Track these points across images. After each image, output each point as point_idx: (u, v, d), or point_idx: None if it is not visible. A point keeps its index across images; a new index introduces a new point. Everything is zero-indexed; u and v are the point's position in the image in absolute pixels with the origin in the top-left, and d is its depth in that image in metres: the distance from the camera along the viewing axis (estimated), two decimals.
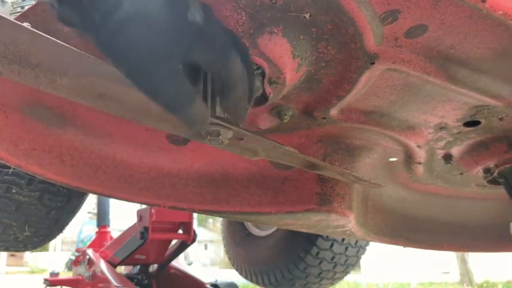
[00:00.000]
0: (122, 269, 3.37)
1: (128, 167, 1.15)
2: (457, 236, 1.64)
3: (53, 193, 1.86)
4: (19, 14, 0.74)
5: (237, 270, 3.03)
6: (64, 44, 0.56)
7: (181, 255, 3.26)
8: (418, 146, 1.18)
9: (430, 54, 0.79)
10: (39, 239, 2.09)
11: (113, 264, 2.86)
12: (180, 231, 2.70)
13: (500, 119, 1.01)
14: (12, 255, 15.60)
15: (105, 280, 2.60)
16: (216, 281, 2.89)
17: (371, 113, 1.03)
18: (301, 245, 2.42)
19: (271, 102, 0.89)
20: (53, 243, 13.38)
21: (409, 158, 1.27)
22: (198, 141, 0.81)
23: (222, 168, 1.26)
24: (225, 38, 0.59)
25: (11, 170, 1.59)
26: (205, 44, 0.55)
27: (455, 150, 1.20)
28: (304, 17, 0.69)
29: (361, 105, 0.99)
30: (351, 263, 2.53)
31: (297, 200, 1.24)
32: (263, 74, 0.79)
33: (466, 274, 8.55)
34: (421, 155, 1.23)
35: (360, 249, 2.50)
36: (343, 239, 2.41)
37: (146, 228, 2.48)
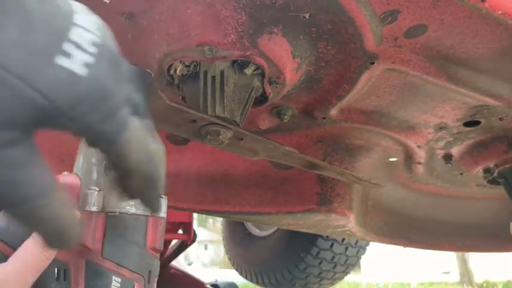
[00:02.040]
0: None
1: None
2: (457, 236, 1.65)
3: None
4: None
5: (237, 270, 3.03)
6: None
7: (181, 255, 3.26)
8: (418, 146, 1.19)
9: (429, 54, 0.79)
10: None
11: None
12: (180, 231, 2.70)
13: (500, 119, 1.01)
14: None
15: None
16: (216, 281, 2.89)
17: (371, 113, 1.03)
18: (301, 245, 2.42)
19: (271, 102, 0.89)
20: None
21: (409, 158, 1.27)
22: (198, 141, 0.81)
23: (222, 168, 1.26)
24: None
25: None
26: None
27: (455, 150, 1.20)
28: (304, 17, 0.69)
29: (361, 105, 0.99)
30: (351, 263, 2.53)
31: (297, 200, 1.24)
32: (263, 74, 0.79)
33: (466, 274, 8.56)
34: (421, 155, 1.24)
35: (360, 249, 2.50)
36: (343, 239, 2.41)
37: None
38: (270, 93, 0.84)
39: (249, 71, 0.78)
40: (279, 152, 0.86)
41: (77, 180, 0.55)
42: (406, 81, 0.88)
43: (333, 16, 0.69)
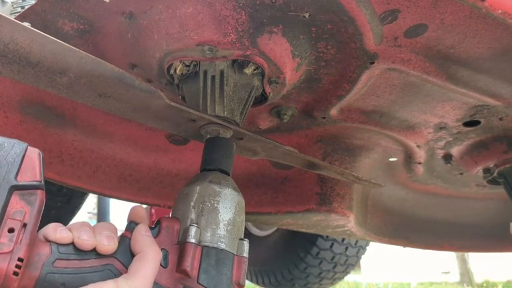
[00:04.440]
0: None
1: (127, 166, 1.15)
2: (457, 236, 1.65)
3: (53, 193, 1.85)
4: (19, 13, 0.74)
5: None
6: (64, 43, 0.56)
7: None
8: (418, 146, 1.18)
9: (429, 54, 0.79)
10: None
11: None
12: None
13: (500, 119, 1.01)
14: None
15: None
16: None
17: (371, 113, 1.03)
18: (301, 245, 2.42)
19: (271, 102, 0.89)
20: None
21: (409, 158, 1.27)
22: (198, 141, 0.81)
23: None
24: None
25: None
26: None
27: (455, 150, 1.20)
28: (304, 17, 0.69)
29: (360, 105, 0.99)
30: (351, 263, 2.53)
31: (297, 200, 1.24)
32: (263, 74, 0.79)
33: (466, 274, 8.55)
34: (421, 155, 1.23)
35: (360, 249, 2.50)
36: (343, 239, 2.41)
37: None
38: (269, 93, 0.84)
39: (248, 70, 0.78)
40: (279, 151, 0.86)
41: (177, 221, 0.67)
42: (406, 81, 0.87)
43: (332, 16, 0.69)
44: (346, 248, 2.43)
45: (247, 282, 3.14)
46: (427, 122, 1.05)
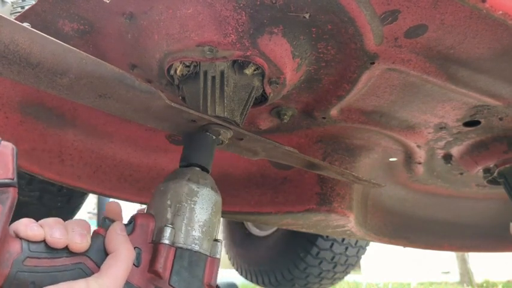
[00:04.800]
0: None
1: (127, 166, 1.15)
2: (457, 236, 1.65)
3: (53, 193, 1.85)
4: (19, 14, 0.74)
5: (237, 270, 3.02)
6: (64, 44, 0.56)
7: None
8: (418, 146, 1.19)
9: (430, 54, 0.79)
10: None
11: None
12: None
13: (500, 119, 1.01)
14: None
15: None
16: None
17: (371, 113, 1.03)
18: (301, 245, 2.42)
19: (271, 102, 0.89)
20: None
21: (409, 158, 1.27)
22: None
23: (222, 168, 1.26)
24: None
25: None
26: None
27: (455, 150, 1.20)
28: (304, 17, 0.69)
29: (361, 105, 0.99)
30: (351, 263, 2.53)
31: (297, 200, 1.24)
32: (263, 74, 0.79)
33: (466, 274, 8.55)
34: (421, 155, 1.24)
35: (360, 249, 2.50)
36: (343, 239, 2.41)
37: None
38: (270, 93, 0.84)
39: (249, 71, 0.78)
40: (279, 152, 0.86)
41: (152, 219, 0.66)
42: (406, 81, 0.88)
43: (333, 16, 0.69)
44: (346, 248, 2.43)
45: (247, 282, 3.14)
46: (427, 122, 1.05)
